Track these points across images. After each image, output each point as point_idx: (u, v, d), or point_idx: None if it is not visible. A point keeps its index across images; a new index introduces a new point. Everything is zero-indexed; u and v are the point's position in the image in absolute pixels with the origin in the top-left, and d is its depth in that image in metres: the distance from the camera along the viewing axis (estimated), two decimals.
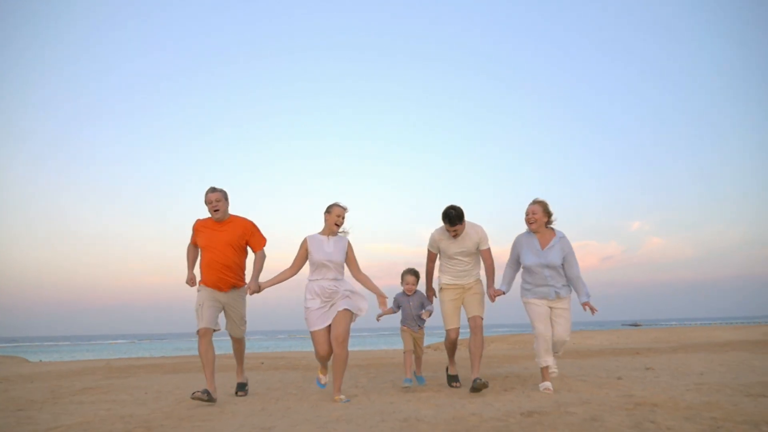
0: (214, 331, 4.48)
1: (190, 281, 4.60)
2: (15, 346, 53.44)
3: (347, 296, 4.34)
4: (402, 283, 4.89)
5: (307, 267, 4.48)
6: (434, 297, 4.89)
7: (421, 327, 4.88)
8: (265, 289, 4.41)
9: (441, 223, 4.51)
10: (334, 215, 4.44)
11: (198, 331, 4.39)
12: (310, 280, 4.45)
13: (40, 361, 17.17)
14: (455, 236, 4.59)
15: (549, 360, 4.37)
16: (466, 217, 4.52)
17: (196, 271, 4.68)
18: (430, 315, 4.84)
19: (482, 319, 4.61)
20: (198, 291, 4.55)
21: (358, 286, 4.47)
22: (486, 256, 4.66)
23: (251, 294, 4.44)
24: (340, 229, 4.51)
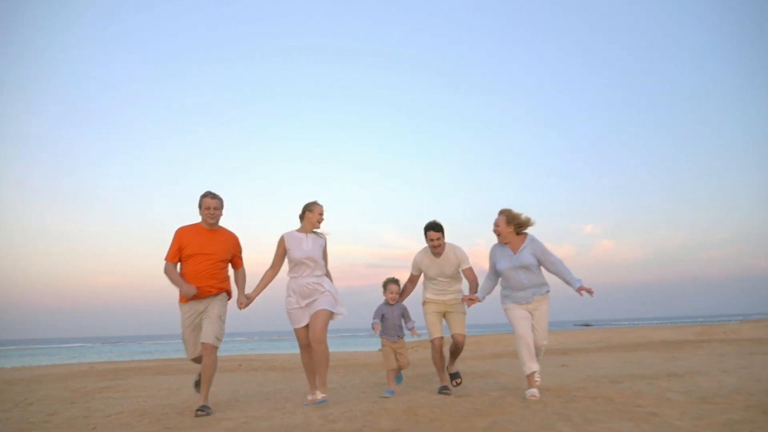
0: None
1: (190, 290, 4.20)
2: None
3: (328, 296, 4.35)
4: (385, 292, 4.92)
5: (287, 265, 4.49)
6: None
7: (400, 336, 4.91)
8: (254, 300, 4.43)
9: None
10: (317, 213, 4.49)
11: (190, 360, 4.52)
12: (290, 278, 4.46)
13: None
14: (437, 247, 4.78)
15: (534, 366, 4.37)
16: (446, 239, 4.79)
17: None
18: (413, 328, 4.94)
19: (464, 336, 4.85)
20: (181, 311, 4.37)
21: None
22: (468, 274, 4.86)
23: (242, 308, 4.40)
24: (321, 229, 4.57)
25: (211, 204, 4.38)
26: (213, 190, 4.48)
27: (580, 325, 62.74)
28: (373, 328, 4.80)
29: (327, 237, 4.61)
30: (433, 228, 4.75)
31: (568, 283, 4.41)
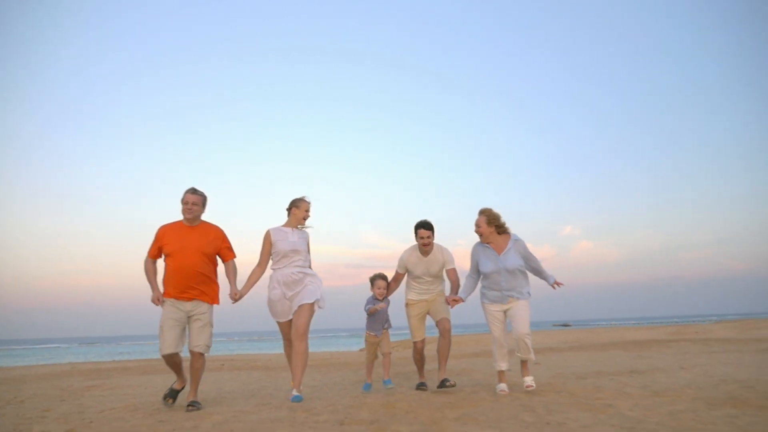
0: (178, 354, 4.31)
1: (157, 299, 4.29)
2: None
3: (311, 289, 4.45)
4: (373, 287, 5.03)
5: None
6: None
7: (385, 329, 5.04)
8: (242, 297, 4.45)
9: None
10: (303, 210, 4.61)
11: (162, 356, 4.29)
12: (274, 269, 4.53)
13: None
14: (426, 246, 4.84)
15: (504, 365, 4.53)
16: (435, 239, 4.87)
17: (160, 285, 4.41)
18: (377, 309, 4.97)
19: (450, 321, 4.81)
20: (163, 306, 4.32)
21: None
22: (451, 274, 4.93)
23: (234, 300, 4.41)
24: (306, 224, 4.69)
25: (189, 199, 4.35)
26: (197, 187, 4.46)
27: (559, 325, 63.51)
28: (370, 311, 4.94)
29: (310, 232, 4.72)
30: (424, 226, 4.82)
31: (544, 278, 4.62)
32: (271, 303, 4.50)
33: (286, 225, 4.63)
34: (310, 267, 4.62)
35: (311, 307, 4.39)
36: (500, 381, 4.56)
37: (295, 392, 4.34)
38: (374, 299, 5.01)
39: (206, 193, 4.49)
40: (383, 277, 5.06)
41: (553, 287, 4.58)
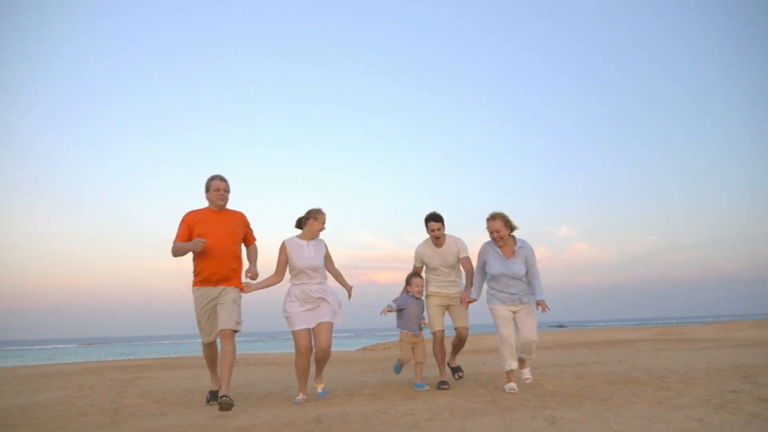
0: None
1: (199, 242, 4.27)
2: None
3: (330, 307, 4.52)
4: (411, 286, 5.02)
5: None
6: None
7: (421, 330, 5.08)
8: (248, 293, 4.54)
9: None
10: (321, 222, 4.61)
11: (204, 345, 4.63)
12: (293, 284, 4.56)
13: None
14: (438, 238, 4.98)
15: (513, 364, 4.63)
16: (446, 230, 5.04)
17: (190, 269, 4.51)
18: (424, 320, 5.10)
19: (467, 329, 5.06)
20: (194, 296, 4.45)
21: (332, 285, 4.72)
22: (465, 262, 5.05)
23: (251, 277, 4.55)
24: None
25: (220, 186, 4.50)
26: (221, 174, 4.57)
27: (555, 326, 64.26)
28: (382, 313, 4.93)
29: (324, 241, 4.73)
30: (434, 218, 4.96)
31: (534, 290, 4.66)
32: (288, 314, 4.53)
33: (301, 237, 4.63)
34: (339, 274, 4.78)
35: (331, 325, 4.48)
36: (509, 380, 4.69)
37: (321, 387, 4.72)
38: (412, 297, 5.03)
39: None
40: (420, 275, 5.13)
41: (537, 305, 4.60)
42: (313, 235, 4.64)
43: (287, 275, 4.64)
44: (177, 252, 4.43)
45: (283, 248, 4.56)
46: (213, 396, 4.72)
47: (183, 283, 4.93)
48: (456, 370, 5.38)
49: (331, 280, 4.77)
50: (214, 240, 4.38)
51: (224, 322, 4.31)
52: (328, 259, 4.71)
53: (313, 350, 4.53)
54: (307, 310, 4.51)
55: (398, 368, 5.46)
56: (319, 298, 4.52)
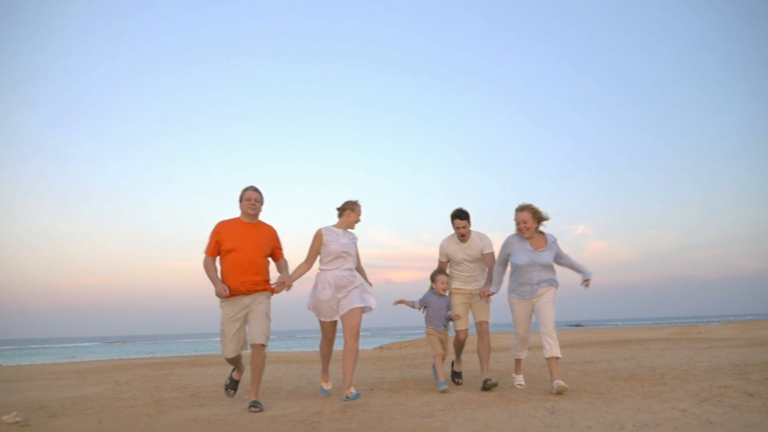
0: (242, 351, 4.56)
1: (223, 290, 4.31)
2: None
3: (360, 291, 4.61)
4: (435, 283, 5.09)
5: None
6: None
7: (446, 327, 5.10)
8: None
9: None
10: (357, 213, 4.75)
11: (225, 359, 4.55)
12: (323, 270, 4.63)
13: None
14: (463, 236, 5.05)
15: (523, 354, 4.83)
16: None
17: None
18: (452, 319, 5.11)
19: (488, 323, 5.12)
20: (221, 306, 4.45)
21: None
22: (488, 258, 5.10)
23: (287, 288, 4.52)
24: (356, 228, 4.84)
25: (252, 196, 4.52)
26: (255, 185, 4.61)
27: (573, 325, 63.98)
28: (399, 302, 5.12)
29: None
30: (459, 216, 5.02)
31: (582, 271, 4.66)
32: (318, 302, 4.60)
33: (337, 226, 4.76)
34: (362, 272, 4.88)
35: (361, 310, 4.56)
36: (517, 371, 4.91)
37: (352, 390, 4.39)
38: (435, 294, 5.09)
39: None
40: (445, 273, 5.20)
41: (585, 284, 4.62)
42: (349, 226, 4.78)
43: (316, 264, 4.71)
44: (206, 274, 4.48)
45: (318, 235, 4.66)
46: (233, 384, 4.86)
47: (200, 282, 5.14)
48: (458, 375, 5.52)
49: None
50: (242, 253, 4.40)
51: (256, 337, 4.36)
52: (356, 255, 4.79)
53: (345, 343, 4.55)
54: (339, 298, 4.57)
55: (437, 374, 5.07)
56: (350, 283, 4.60)
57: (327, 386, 4.91)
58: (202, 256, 4.52)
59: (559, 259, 4.75)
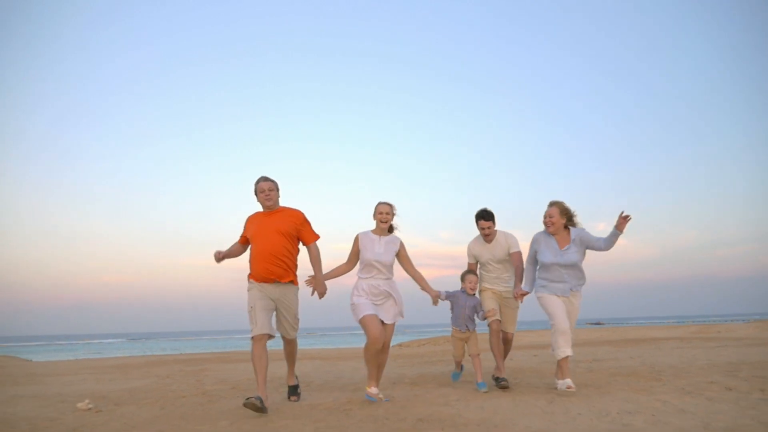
0: (270, 337, 4.42)
1: (217, 254, 4.53)
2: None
3: (394, 304, 4.59)
4: (464, 282, 5.03)
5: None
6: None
7: (470, 328, 5.01)
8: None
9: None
10: (376, 212, 4.61)
11: (252, 337, 4.36)
12: (360, 278, 4.63)
13: (28, 360, 17.54)
14: (488, 236, 5.08)
15: (568, 351, 4.54)
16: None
17: (246, 266, 4.64)
18: (483, 318, 5.04)
19: (512, 335, 5.24)
20: (248, 290, 4.52)
21: (405, 286, 4.74)
22: (515, 258, 5.09)
23: (321, 296, 4.55)
24: (395, 230, 4.75)
25: (264, 187, 4.55)
26: (266, 175, 4.62)
27: (593, 323, 63.51)
28: (438, 294, 4.82)
29: (401, 240, 4.71)
30: (483, 217, 5.06)
31: (613, 236, 4.64)
32: (355, 306, 4.57)
33: (374, 231, 4.69)
34: (418, 275, 4.78)
35: (393, 326, 4.62)
36: (563, 375, 4.60)
37: (379, 394, 4.62)
38: (464, 293, 5.04)
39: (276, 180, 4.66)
40: (475, 273, 5.16)
41: (620, 228, 4.58)
42: (380, 229, 4.65)
43: (356, 268, 4.72)
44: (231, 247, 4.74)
45: (356, 241, 4.66)
46: (292, 391, 4.95)
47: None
48: (502, 379, 5.00)
49: (411, 283, 4.78)
50: (260, 241, 4.47)
51: (286, 333, 4.69)
52: (404, 259, 4.72)
53: None
54: (375, 304, 4.54)
55: (456, 375, 5.56)
56: (386, 292, 4.56)
57: (374, 391, 4.61)
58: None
59: (591, 245, 4.70)
